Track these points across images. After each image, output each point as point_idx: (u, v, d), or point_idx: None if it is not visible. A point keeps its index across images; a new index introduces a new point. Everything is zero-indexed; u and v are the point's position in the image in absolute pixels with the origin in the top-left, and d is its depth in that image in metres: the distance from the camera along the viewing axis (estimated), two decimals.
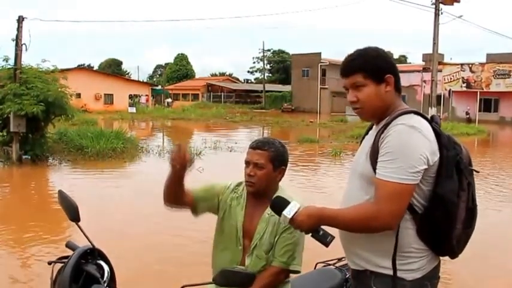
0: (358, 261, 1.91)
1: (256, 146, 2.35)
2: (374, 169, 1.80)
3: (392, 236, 1.80)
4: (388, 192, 1.74)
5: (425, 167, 1.75)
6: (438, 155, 1.78)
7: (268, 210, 2.28)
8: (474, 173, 1.90)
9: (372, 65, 1.89)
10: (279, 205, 1.95)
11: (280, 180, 2.38)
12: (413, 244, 1.81)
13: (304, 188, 10.17)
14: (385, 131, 1.80)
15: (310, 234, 1.92)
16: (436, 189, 1.78)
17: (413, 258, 1.82)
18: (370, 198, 1.81)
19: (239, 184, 2.44)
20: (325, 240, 1.87)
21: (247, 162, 2.34)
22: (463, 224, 1.81)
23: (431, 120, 1.88)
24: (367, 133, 2.04)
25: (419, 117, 1.84)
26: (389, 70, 1.89)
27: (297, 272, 2.32)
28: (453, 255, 1.90)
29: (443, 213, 1.78)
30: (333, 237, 1.88)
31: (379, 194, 1.76)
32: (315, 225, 1.88)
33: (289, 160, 2.47)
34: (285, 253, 2.27)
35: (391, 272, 1.81)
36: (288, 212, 1.90)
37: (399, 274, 1.81)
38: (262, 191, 2.32)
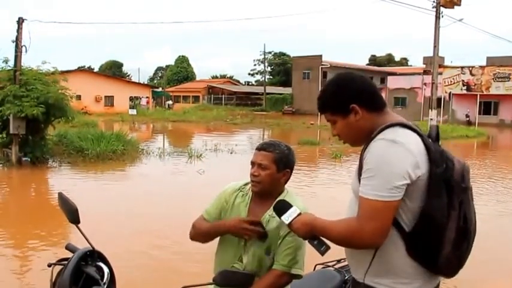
0: (354, 271, 1.92)
1: (261, 147, 2.39)
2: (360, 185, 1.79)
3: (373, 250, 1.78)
4: (368, 210, 1.70)
5: (407, 181, 1.68)
6: (425, 169, 1.71)
7: (269, 212, 2.32)
8: (472, 189, 1.81)
9: (332, 101, 1.90)
10: (281, 209, 2.01)
11: (285, 182, 2.41)
12: (404, 264, 1.77)
13: (303, 191, 10.16)
14: (367, 147, 1.78)
15: (307, 240, 1.96)
16: (424, 208, 1.71)
17: (405, 279, 1.77)
18: None
19: (247, 183, 2.48)
20: (319, 249, 1.90)
21: (253, 163, 2.37)
22: (452, 245, 1.73)
23: (429, 135, 1.82)
24: None
25: (404, 130, 1.77)
26: (351, 99, 1.85)
27: (299, 276, 2.33)
28: (445, 275, 1.85)
29: (430, 234, 1.72)
30: (328, 247, 1.89)
31: (361, 212, 1.73)
32: (309, 233, 1.91)
33: None
34: (286, 256, 2.28)
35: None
36: (287, 218, 1.97)
37: None
38: (266, 192, 2.35)
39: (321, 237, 1.90)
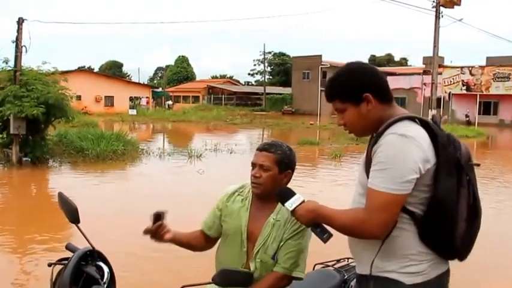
0: (360, 265, 1.92)
1: (263, 148, 2.33)
2: (368, 178, 1.80)
3: (385, 238, 1.79)
4: (377, 202, 1.73)
5: (417, 176, 1.72)
6: (433, 162, 1.75)
7: (274, 215, 2.29)
8: (475, 169, 1.87)
9: (345, 88, 1.89)
10: (284, 195, 2.00)
11: (286, 184, 2.35)
12: (413, 247, 1.79)
13: (303, 192, 10.17)
14: (377, 141, 1.79)
15: (310, 228, 1.97)
16: (434, 189, 1.74)
17: (413, 261, 1.79)
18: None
19: (243, 186, 2.43)
20: (322, 236, 1.91)
21: (254, 164, 2.32)
22: (465, 222, 1.77)
23: (432, 120, 1.86)
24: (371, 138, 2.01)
25: (412, 124, 1.81)
26: (365, 88, 1.85)
27: (299, 279, 2.30)
28: (460, 257, 1.87)
29: (444, 213, 1.74)
30: (331, 235, 1.90)
31: (369, 203, 1.76)
32: (312, 220, 1.92)
33: None
34: (287, 259, 2.26)
35: (391, 275, 1.80)
36: (290, 205, 1.96)
37: (397, 277, 1.79)
38: (268, 194, 2.28)
39: (324, 225, 1.91)
